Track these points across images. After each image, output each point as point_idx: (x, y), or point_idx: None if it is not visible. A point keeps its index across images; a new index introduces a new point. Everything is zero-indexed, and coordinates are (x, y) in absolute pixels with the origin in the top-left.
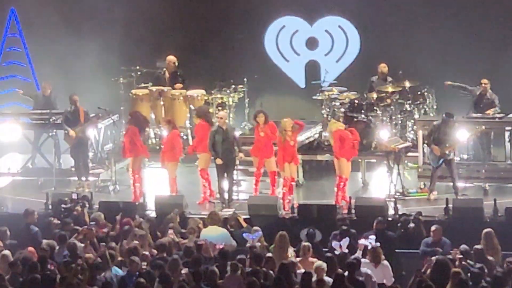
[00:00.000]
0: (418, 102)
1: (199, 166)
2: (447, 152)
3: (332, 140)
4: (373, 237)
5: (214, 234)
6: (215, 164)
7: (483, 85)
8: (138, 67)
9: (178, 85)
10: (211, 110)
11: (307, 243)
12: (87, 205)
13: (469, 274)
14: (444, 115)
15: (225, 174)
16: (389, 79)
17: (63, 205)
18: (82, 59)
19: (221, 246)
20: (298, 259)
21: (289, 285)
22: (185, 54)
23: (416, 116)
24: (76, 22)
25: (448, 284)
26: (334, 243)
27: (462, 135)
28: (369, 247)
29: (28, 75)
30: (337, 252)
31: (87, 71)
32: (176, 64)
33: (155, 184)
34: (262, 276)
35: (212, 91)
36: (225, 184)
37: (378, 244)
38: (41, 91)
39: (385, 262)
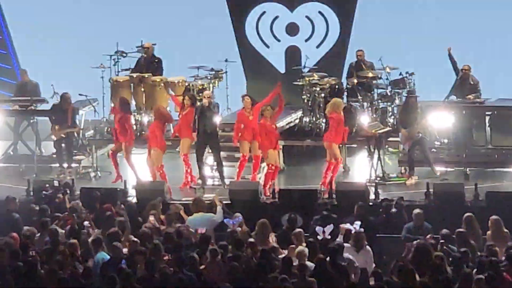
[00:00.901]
0: (398, 87)
1: (181, 151)
2: (415, 133)
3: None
4: (358, 223)
5: (199, 220)
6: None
7: (463, 70)
8: (118, 54)
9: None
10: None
11: (299, 230)
12: (69, 192)
13: (450, 259)
14: (405, 95)
15: (205, 156)
16: (368, 64)
17: (44, 192)
18: (63, 46)
19: (203, 231)
20: (291, 246)
21: (271, 270)
22: (165, 40)
23: (397, 101)
24: (57, 9)
25: (429, 268)
26: (318, 228)
27: (443, 119)
28: (353, 232)
29: (8, 62)
30: (319, 237)
31: (68, 58)
32: (154, 50)
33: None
34: (243, 262)
35: (192, 77)
36: (204, 167)
37: (362, 229)
38: (20, 77)
39: (367, 247)
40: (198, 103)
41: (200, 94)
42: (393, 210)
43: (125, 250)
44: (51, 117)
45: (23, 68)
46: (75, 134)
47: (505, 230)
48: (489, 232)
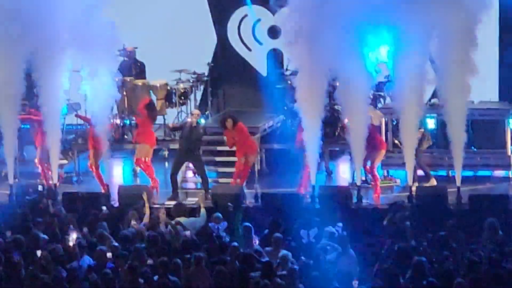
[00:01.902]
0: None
1: (136, 156)
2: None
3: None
4: (340, 224)
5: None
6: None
7: None
8: None
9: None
10: (173, 100)
11: (279, 235)
12: (51, 197)
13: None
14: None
15: (180, 167)
16: None
17: (27, 197)
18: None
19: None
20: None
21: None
22: (147, 43)
23: (380, 105)
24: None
25: (409, 270)
26: (302, 232)
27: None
28: (336, 235)
29: None
30: (304, 241)
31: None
32: (136, 53)
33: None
34: (227, 266)
35: (175, 81)
36: (176, 175)
37: (344, 232)
38: None
39: (351, 251)
40: (188, 119)
41: (182, 98)
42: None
43: (109, 254)
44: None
45: None
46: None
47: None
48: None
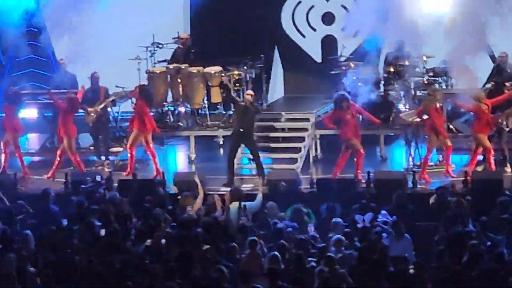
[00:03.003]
0: (435, 75)
1: (128, 142)
2: (498, 121)
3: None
4: (384, 212)
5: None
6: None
7: (500, 57)
8: (154, 45)
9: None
10: (230, 87)
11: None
12: (108, 185)
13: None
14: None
15: (237, 150)
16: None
17: (82, 186)
18: (100, 37)
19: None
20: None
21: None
22: (201, 30)
23: None
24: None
25: (465, 256)
26: (357, 217)
27: None
28: (389, 221)
29: (44, 54)
30: (359, 225)
31: (104, 50)
32: (190, 40)
33: (174, 161)
34: (283, 252)
35: (229, 68)
36: (233, 159)
37: (395, 218)
38: (59, 69)
39: (406, 235)
40: (240, 101)
41: (237, 84)
42: (432, 201)
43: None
44: (84, 103)
45: (61, 60)
46: (112, 122)
47: None
48: None
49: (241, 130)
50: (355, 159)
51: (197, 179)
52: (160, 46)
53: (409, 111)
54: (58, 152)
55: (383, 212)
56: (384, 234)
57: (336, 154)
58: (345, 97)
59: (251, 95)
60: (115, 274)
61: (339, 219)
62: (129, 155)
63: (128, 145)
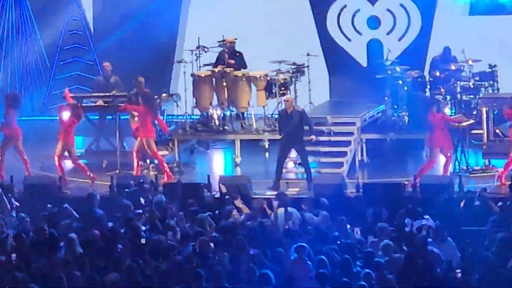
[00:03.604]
0: (486, 80)
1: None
2: None
3: None
4: (427, 217)
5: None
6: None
7: None
8: (199, 49)
9: (231, 61)
10: (273, 91)
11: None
12: (152, 188)
13: None
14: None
15: (287, 155)
16: (452, 57)
17: (126, 189)
18: (144, 41)
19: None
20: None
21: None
22: (247, 34)
23: (481, 94)
24: (138, 3)
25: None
26: (407, 221)
27: None
28: (432, 226)
29: (90, 57)
30: (407, 229)
31: (149, 53)
32: (235, 44)
33: (219, 164)
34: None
35: (275, 71)
36: (282, 164)
37: (438, 222)
38: (103, 73)
39: (450, 239)
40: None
41: (283, 89)
42: (477, 203)
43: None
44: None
45: (105, 62)
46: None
47: None
48: None
49: (287, 135)
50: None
51: (223, 188)
52: (206, 49)
53: (455, 115)
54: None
55: (426, 216)
56: (430, 239)
57: (382, 159)
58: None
59: (289, 100)
60: (161, 278)
61: (385, 224)
62: (158, 161)
63: (152, 153)
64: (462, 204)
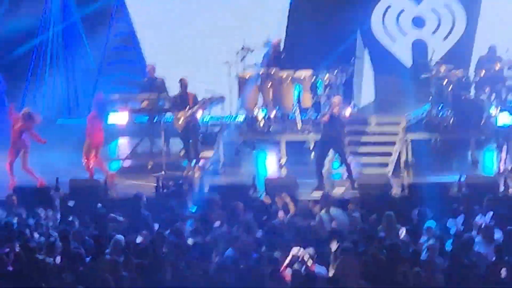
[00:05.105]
0: None
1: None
2: None
3: None
4: (490, 213)
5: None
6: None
7: None
8: (244, 50)
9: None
10: (318, 91)
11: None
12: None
13: None
14: None
15: (326, 154)
16: (497, 57)
17: (165, 190)
18: (189, 42)
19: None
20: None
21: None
22: (294, 35)
23: None
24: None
25: None
26: (450, 221)
27: None
28: (483, 225)
29: (135, 59)
30: (451, 231)
31: (194, 54)
32: (281, 46)
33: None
34: (373, 256)
35: (319, 72)
36: (322, 163)
37: (492, 222)
38: (148, 74)
39: (496, 239)
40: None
41: (327, 89)
42: None
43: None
44: (173, 109)
45: (150, 64)
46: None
47: None
48: None
49: (328, 135)
50: None
51: (267, 200)
52: (251, 50)
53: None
54: None
55: (479, 215)
56: (476, 239)
57: (427, 159)
58: None
59: (336, 101)
60: (207, 279)
61: (431, 224)
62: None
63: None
64: None
